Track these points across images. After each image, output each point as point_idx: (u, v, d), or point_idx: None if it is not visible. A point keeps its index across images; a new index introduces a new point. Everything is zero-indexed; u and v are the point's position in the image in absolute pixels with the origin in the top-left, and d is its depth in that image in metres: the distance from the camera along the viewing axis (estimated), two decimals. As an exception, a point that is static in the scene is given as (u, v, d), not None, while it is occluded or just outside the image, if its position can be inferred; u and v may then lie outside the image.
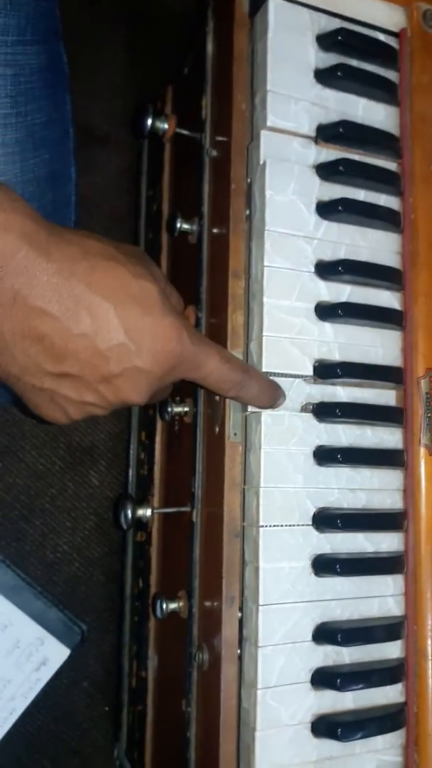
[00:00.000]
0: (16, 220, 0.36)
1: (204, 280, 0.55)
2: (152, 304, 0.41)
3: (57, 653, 0.68)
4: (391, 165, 0.54)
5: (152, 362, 0.41)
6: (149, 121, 0.60)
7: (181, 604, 0.55)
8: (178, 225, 0.58)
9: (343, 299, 0.51)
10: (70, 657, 0.68)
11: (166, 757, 0.60)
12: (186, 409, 0.57)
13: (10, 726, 0.66)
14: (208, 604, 0.51)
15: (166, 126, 0.61)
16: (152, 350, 0.40)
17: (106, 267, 0.39)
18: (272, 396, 0.47)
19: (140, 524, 0.66)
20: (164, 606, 0.54)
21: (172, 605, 0.55)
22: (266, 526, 0.47)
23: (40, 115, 0.51)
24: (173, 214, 0.58)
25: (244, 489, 0.49)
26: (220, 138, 0.55)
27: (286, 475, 0.48)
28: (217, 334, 0.52)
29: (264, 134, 0.50)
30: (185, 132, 0.61)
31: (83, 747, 0.71)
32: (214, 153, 0.56)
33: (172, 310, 0.42)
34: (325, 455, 0.49)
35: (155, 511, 0.60)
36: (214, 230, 0.55)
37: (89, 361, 0.39)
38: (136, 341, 0.40)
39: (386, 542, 0.51)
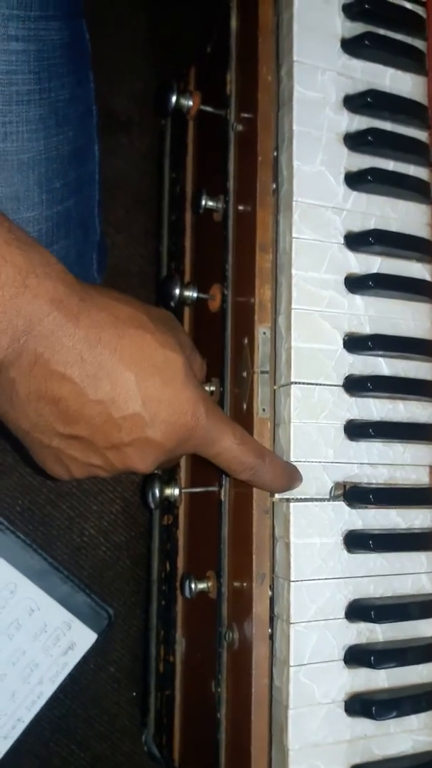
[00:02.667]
0: (47, 286, 0.36)
1: (230, 257, 0.55)
2: (174, 376, 0.41)
3: (84, 637, 0.67)
4: (420, 135, 0.53)
5: (163, 434, 0.41)
6: (173, 98, 0.60)
7: (210, 583, 0.54)
8: (203, 202, 0.57)
9: (374, 271, 0.50)
10: (97, 641, 0.68)
11: (194, 740, 0.59)
12: (212, 388, 0.56)
13: (38, 710, 0.66)
14: (237, 583, 0.50)
15: (190, 103, 0.60)
16: (166, 422, 0.40)
17: (133, 335, 0.39)
18: (288, 482, 0.46)
19: (167, 507, 0.65)
20: (193, 585, 0.54)
21: (201, 585, 0.54)
22: (297, 500, 0.46)
23: (63, 92, 0.51)
24: (198, 192, 0.58)
25: (273, 465, 0.49)
26: (245, 113, 0.54)
27: (316, 449, 0.47)
28: (245, 310, 0.51)
29: (294, 103, 0.49)
30: (209, 109, 0.60)
31: (111, 731, 0.70)
32: (240, 128, 0.55)
33: (193, 382, 0.42)
34: (356, 429, 0.48)
35: (183, 490, 0.59)
36: (240, 206, 0.54)
37: (101, 427, 0.39)
38: (152, 412, 0.40)
39: (420, 518, 0.50)
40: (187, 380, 0.41)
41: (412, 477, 0.50)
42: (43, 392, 0.38)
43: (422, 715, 0.49)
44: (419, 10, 0.54)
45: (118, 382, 0.38)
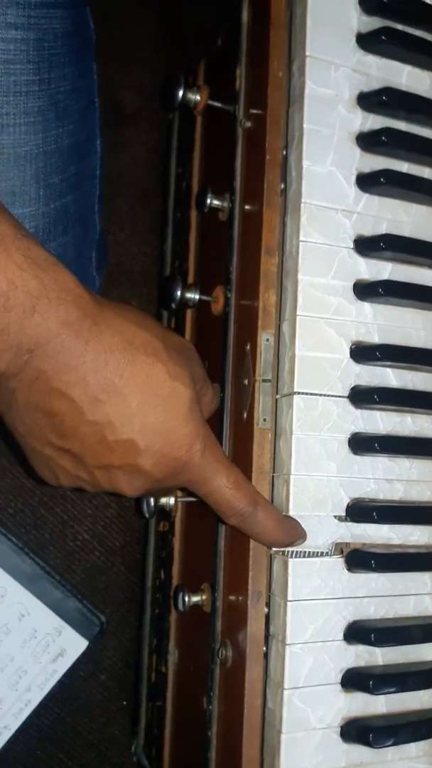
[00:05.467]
0: (59, 310, 0.35)
1: (234, 258, 0.53)
2: (177, 409, 0.40)
3: (75, 644, 0.66)
4: (436, 136, 0.51)
5: (153, 464, 0.40)
6: (181, 92, 0.57)
7: (204, 597, 0.52)
8: (208, 201, 0.55)
9: (384, 277, 0.48)
10: (87, 649, 0.66)
11: (185, 755, 0.58)
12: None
13: (25, 718, 0.64)
14: (232, 598, 0.48)
15: (198, 97, 0.58)
16: (158, 453, 0.40)
17: (143, 362, 0.39)
18: (285, 537, 0.44)
19: (163, 513, 0.64)
20: (186, 598, 0.52)
21: (195, 598, 0.52)
22: (296, 515, 0.44)
23: (64, 83, 0.49)
24: (203, 190, 0.56)
25: (273, 477, 0.47)
26: (254, 110, 0.52)
27: (318, 463, 0.45)
28: (248, 315, 0.49)
29: (306, 100, 0.47)
30: (218, 104, 0.58)
31: (100, 741, 0.69)
32: (248, 124, 0.53)
33: (196, 417, 0.41)
34: (361, 443, 0.46)
35: (179, 499, 0.57)
36: (246, 206, 0.52)
37: (93, 446, 0.39)
38: (147, 441, 0.39)
39: (416, 535, 0.48)
40: (189, 415, 0.40)
41: (427, 494, 0.48)
42: (40, 405, 0.38)
43: (421, 743, 0.47)
44: (439, 5, 0.52)
45: (118, 407, 0.38)
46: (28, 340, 0.35)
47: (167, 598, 0.62)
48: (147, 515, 0.55)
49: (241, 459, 0.48)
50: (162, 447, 0.39)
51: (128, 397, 0.38)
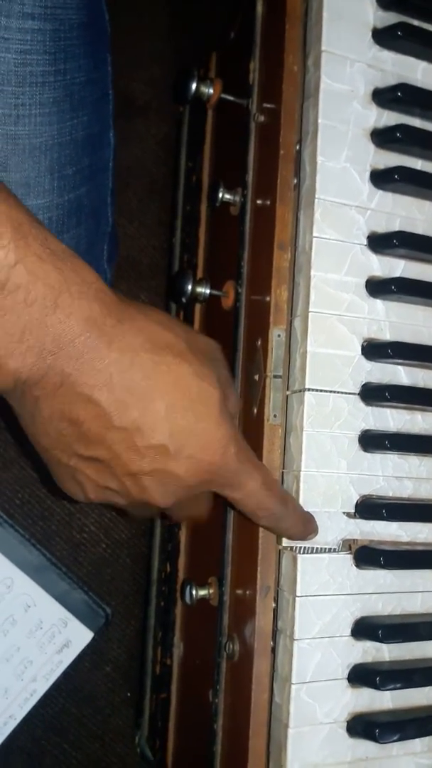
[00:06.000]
0: (82, 305, 0.34)
1: (246, 253, 0.53)
2: (208, 411, 0.38)
3: (80, 636, 0.66)
4: (451, 134, 0.51)
5: (187, 469, 0.38)
6: (194, 85, 0.57)
7: (211, 590, 0.52)
8: (220, 195, 0.55)
9: (397, 275, 0.48)
10: (93, 640, 0.66)
11: (189, 748, 0.58)
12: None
13: (30, 707, 0.64)
14: (240, 592, 0.49)
15: (211, 90, 0.58)
16: (192, 458, 0.38)
17: (170, 363, 0.37)
18: (305, 531, 0.44)
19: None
20: (194, 592, 0.52)
21: (202, 592, 0.52)
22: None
23: (79, 75, 0.49)
24: (215, 184, 0.55)
25: (282, 473, 0.47)
26: (268, 104, 0.52)
27: (328, 460, 0.45)
28: (259, 310, 0.49)
29: (321, 95, 0.47)
30: (231, 98, 0.58)
31: (104, 732, 0.69)
32: (262, 119, 0.53)
33: (228, 420, 0.39)
34: (371, 441, 0.46)
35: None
36: (259, 201, 0.52)
37: (122, 453, 0.37)
38: (178, 445, 0.37)
39: (425, 533, 0.48)
40: (221, 417, 0.39)
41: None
42: (66, 413, 0.36)
43: (426, 738, 0.47)
44: (456, 1, 0.52)
45: (147, 411, 0.36)
46: (50, 340, 0.33)
47: (173, 591, 0.62)
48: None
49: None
50: (195, 451, 0.38)
51: (156, 400, 0.36)
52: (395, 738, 0.45)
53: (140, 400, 0.36)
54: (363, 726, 0.45)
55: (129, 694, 0.70)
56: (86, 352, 0.34)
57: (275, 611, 0.46)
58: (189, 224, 0.68)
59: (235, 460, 0.40)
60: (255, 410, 0.49)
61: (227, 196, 0.55)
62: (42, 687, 0.65)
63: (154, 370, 0.36)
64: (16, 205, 0.33)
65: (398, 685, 0.46)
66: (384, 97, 0.49)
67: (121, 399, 0.36)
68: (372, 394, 0.46)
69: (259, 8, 0.55)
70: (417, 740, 0.47)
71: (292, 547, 0.45)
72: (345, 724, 0.45)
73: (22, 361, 0.33)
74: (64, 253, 0.34)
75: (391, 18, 0.50)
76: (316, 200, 0.46)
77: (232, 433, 0.40)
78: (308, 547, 0.45)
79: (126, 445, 0.37)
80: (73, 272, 0.34)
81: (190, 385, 0.38)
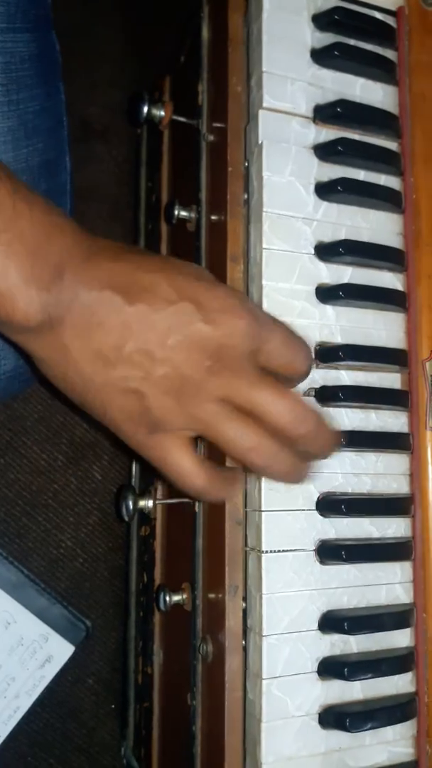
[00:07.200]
0: (72, 224, 0.40)
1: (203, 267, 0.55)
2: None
3: (61, 650, 0.67)
4: (391, 145, 0.53)
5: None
6: (145, 108, 0.59)
7: (184, 596, 0.54)
8: (176, 212, 0.57)
9: (345, 281, 0.50)
10: (74, 654, 0.67)
11: (172, 753, 0.59)
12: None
13: (14, 724, 0.65)
14: (212, 595, 0.50)
15: (162, 113, 0.60)
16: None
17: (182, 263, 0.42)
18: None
19: (144, 518, 0.65)
20: (167, 598, 0.53)
21: (176, 597, 0.54)
22: (269, 510, 0.46)
23: (32, 104, 0.51)
24: (171, 202, 0.57)
25: (245, 474, 0.48)
26: (216, 123, 0.54)
27: (288, 460, 0.47)
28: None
29: (262, 114, 0.49)
30: (182, 119, 0.60)
31: (90, 745, 0.70)
32: (211, 138, 0.55)
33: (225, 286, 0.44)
34: (328, 439, 0.48)
35: (157, 502, 0.59)
36: (212, 216, 0.54)
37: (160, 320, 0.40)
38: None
39: (392, 528, 0.50)
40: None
41: (394, 486, 0.50)
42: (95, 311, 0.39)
43: (398, 726, 0.49)
44: (390, 20, 0.55)
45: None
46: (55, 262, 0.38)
47: (150, 601, 0.63)
48: (126, 518, 0.57)
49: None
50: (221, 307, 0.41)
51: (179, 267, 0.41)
52: (366, 727, 0.47)
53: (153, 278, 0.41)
54: (334, 717, 0.46)
55: (113, 706, 0.71)
56: (91, 256, 0.39)
57: (245, 611, 0.48)
58: (151, 242, 0.70)
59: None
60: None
61: (183, 213, 0.57)
62: (25, 703, 0.66)
63: (166, 264, 0.42)
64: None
65: (367, 676, 0.47)
66: (325, 112, 0.51)
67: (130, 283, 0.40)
68: (327, 395, 0.48)
69: (205, 33, 0.57)
70: (389, 729, 0.49)
71: (257, 548, 0.47)
72: (317, 716, 0.47)
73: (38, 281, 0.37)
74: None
75: (328, 38, 0.52)
76: (264, 213, 0.48)
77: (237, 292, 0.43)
78: (273, 542, 0.46)
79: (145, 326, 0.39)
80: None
81: (197, 268, 0.43)
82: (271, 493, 0.46)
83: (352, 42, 0.53)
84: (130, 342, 0.39)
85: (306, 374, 0.45)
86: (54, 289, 0.38)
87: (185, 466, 0.42)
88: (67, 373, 0.40)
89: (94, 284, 0.39)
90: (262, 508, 0.46)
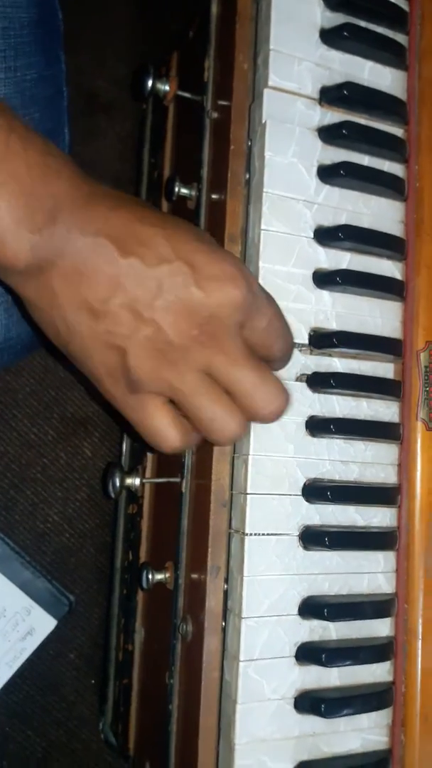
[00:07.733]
0: (69, 166, 0.39)
1: (201, 246, 0.54)
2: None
3: (44, 623, 0.67)
4: (396, 131, 0.52)
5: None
6: (150, 82, 0.59)
7: (167, 575, 0.54)
8: (176, 189, 0.56)
9: (343, 267, 0.49)
10: (57, 628, 0.67)
11: (149, 730, 0.59)
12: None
13: (-6, 695, 0.65)
14: (194, 575, 0.50)
15: (167, 87, 0.59)
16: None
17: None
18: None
19: (132, 496, 0.65)
20: (150, 576, 0.53)
21: (159, 576, 0.54)
22: (254, 493, 0.46)
23: (30, 72, 0.50)
24: (171, 178, 0.57)
25: (233, 457, 0.48)
26: (221, 101, 0.53)
27: (276, 444, 0.47)
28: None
29: (267, 93, 0.49)
30: (187, 94, 0.59)
31: (68, 719, 0.70)
32: (215, 115, 0.54)
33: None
34: (317, 425, 0.48)
35: (144, 480, 0.59)
36: (213, 195, 0.53)
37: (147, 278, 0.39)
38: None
39: (378, 517, 0.50)
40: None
41: (381, 475, 0.50)
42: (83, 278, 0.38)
43: (373, 714, 0.49)
44: (402, 3, 0.54)
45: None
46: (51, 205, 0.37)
47: (135, 579, 0.63)
48: (112, 495, 0.57)
49: (203, 445, 0.49)
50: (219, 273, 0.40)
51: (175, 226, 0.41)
52: (341, 713, 0.47)
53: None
54: (310, 702, 0.47)
55: (93, 681, 0.71)
56: (88, 199, 0.38)
57: (226, 592, 0.48)
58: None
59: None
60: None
61: (183, 190, 0.56)
62: (5, 674, 0.66)
63: (161, 217, 0.41)
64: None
65: (345, 663, 0.47)
66: (331, 94, 0.50)
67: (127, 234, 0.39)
68: (318, 381, 0.48)
69: (214, 8, 0.56)
70: (364, 716, 0.49)
71: (240, 531, 0.47)
72: (293, 701, 0.47)
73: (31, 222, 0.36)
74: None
75: (338, 18, 0.51)
76: (264, 194, 0.48)
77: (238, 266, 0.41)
78: (257, 525, 0.46)
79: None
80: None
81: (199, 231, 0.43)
82: (257, 476, 0.46)
83: (362, 23, 0.52)
84: (118, 296, 0.38)
85: (283, 362, 0.45)
86: (46, 232, 0.37)
87: (161, 427, 0.41)
88: (53, 319, 0.39)
89: (89, 230, 0.38)
90: (248, 491, 0.46)
